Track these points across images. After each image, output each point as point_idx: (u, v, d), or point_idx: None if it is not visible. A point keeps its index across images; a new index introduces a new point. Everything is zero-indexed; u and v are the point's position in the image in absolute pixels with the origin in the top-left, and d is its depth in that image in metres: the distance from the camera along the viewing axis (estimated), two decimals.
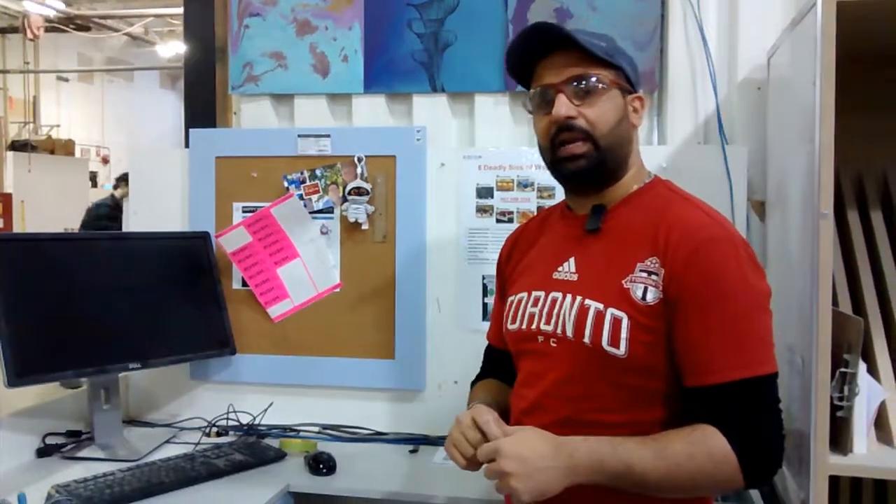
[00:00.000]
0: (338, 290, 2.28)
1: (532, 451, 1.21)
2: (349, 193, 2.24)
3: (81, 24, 13.08)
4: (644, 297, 1.27)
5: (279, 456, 2.02)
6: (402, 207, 2.24)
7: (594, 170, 1.36)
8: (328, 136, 2.27)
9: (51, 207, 12.15)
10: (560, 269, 1.40)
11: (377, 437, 2.21)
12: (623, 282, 1.30)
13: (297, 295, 2.29)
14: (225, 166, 2.32)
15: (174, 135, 18.17)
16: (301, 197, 2.27)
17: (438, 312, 2.25)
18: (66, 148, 13.98)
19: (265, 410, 2.23)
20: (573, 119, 1.33)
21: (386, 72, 2.33)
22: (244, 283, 2.32)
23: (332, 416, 2.26)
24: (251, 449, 2.04)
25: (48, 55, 14.87)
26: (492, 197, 2.21)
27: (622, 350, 1.28)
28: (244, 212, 2.31)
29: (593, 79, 1.34)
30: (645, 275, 1.29)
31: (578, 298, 1.34)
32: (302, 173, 2.27)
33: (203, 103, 2.46)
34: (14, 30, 13.41)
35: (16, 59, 14.13)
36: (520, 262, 1.53)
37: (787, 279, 1.86)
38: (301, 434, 2.22)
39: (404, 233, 2.24)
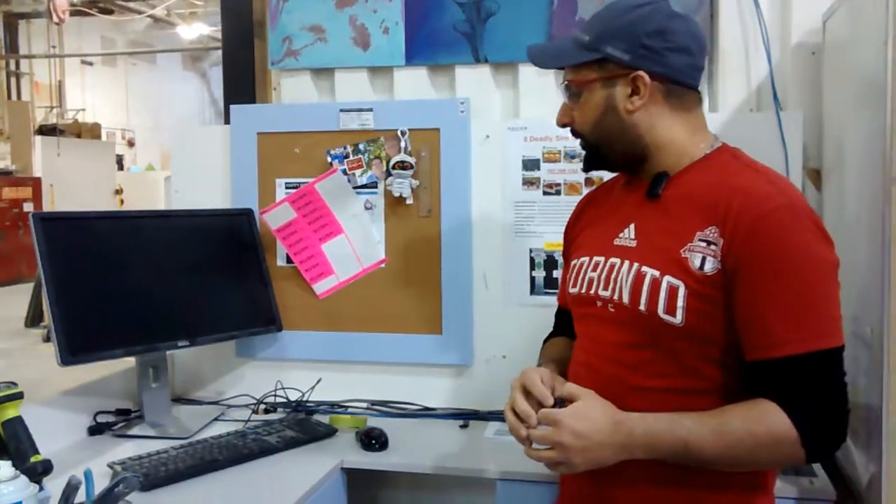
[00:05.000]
0: (383, 265, 2.26)
1: (591, 426, 1.23)
2: (393, 168, 2.21)
3: (105, 7, 13.12)
4: (702, 267, 1.25)
5: (330, 432, 2.01)
6: (447, 181, 2.21)
7: (595, 163, 1.42)
8: (370, 110, 2.24)
9: (79, 191, 12.28)
10: (621, 235, 1.39)
11: (426, 412, 2.19)
12: (681, 251, 1.27)
13: (341, 271, 2.28)
14: (267, 142, 2.30)
15: (198, 116, 18.29)
16: (344, 172, 2.25)
17: (485, 287, 2.22)
18: (93, 131, 14.10)
19: (313, 387, 2.22)
20: (567, 124, 1.42)
21: (428, 43, 2.29)
22: (289, 260, 2.30)
23: (380, 391, 2.25)
24: (302, 425, 2.04)
25: (72, 39, 14.95)
26: (538, 169, 2.17)
27: (678, 318, 1.25)
28: (287, 188, 2.29)
29: (569, 84, 1.38)
30: (704, 244, 1.26)
31: (636, 265, 1.33)
32: (345, 148, 2.25)
33: (242, 79, 2.44)
34: (38, 14, 13.50)
35: (39, 44, 14.23)
36: (585, 228, 1.53)
37: (847, 248, 1.80)
38: (349, 410, 2.21)
39: (449, 207, 2.21)
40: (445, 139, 2.20)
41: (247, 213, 2.29)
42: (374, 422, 2.08)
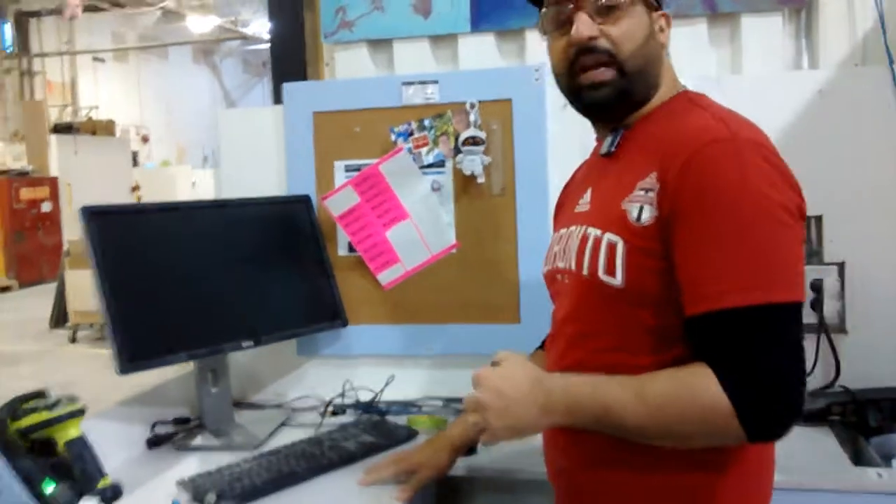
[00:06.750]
0: (454, 251, 2.08)
1: (509, 384, 1.14)
2: (462, 144, 2.02)
3: (116, 1, 12.98)
4: (639, 218, 1.11)
5: (410, 435, 1.84)
6: (522, 156, 2.02)
7: (620, 98, 1.20)
8: (436, 82, 2.05)
9: (97, 188, 12.15)
10: (580, 201, 1.29)
11: None
12: (622, 203, 1.14)
13: (408, 259, 2.10)
14: (324, 122, 2.12)
15: (211, 110, 18.14)
16: (409, 151, 2.06)
17: None
18: (108, 128, 14.01)
19: (386, 385, 2.05)
20: (595, 40, 1.17)
21: (495, 7, 2.11)
22: (350, 249, 2.12)
23: (456, 387, 2.06)
24: (379, 429, 1.87)
25: (83, 36, 14.83)
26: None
27: (618, 279, 1.12)
28: (347, 171, 2.11)
29: None
30: (642, 193, 1.12)
31: (583, 227, 1.22)
32: (409, 125, 2.06)
33: (291, 55, 2.26)
34: (48, 12, 13.37)
35: (51, 42, 14.10)
36: (561, 205, 1.47)
37: None
38: (424, 409, 2.04)
39: (525, 184, 2.03)
40: (518, 110, 2.01)
41: (304, 200, 2.11)
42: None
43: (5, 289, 11.48)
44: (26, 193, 11.87)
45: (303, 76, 2.27)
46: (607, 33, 1.17)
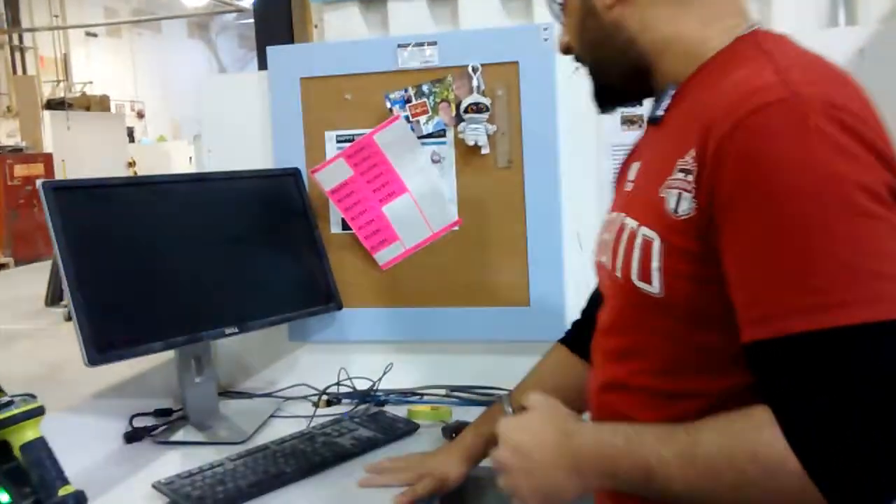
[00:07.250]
0: (456, 228, 1.92)
1: (532, 439, 0.95)
2: (464, 111, 1.86)
3: None
4: (677, 209, 0.87)
5: (411, 429, 1.70)
6: (530, 124, 1.86)
7: (605, 89, 1.11)
8: (434, 43, 1.88)
9: (92, 165, 11.94)
10: (628, 178, 1.07)
11: None
12: (660, 189, 0.91)
13: (408, 237, 1.94)
14: (312, 88, 1.95)
15: None
16: (407, 119, 1.90)
17: (579, 249, 1.88)
18: (102, 104, 13.77)
19: (385, 373, 1.90)
20: (567, 48, 1.13)
21: None
22: (344, 227, 1.96)
23: (460, 376, 1.92)
24: (376, 421, 1.72)
25: (74, 10, 14.57)
26: (640, 103, 1.81)
27: (655, 286, 0.90)
28: (339, 141, 1.95)
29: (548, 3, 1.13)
30: (681, 176, 0.87)
31: (621, 216, 1.01)
32: (406, 91, 1.89)
33: (277, 16, 2.09)
34: None
35: (41, 17, 13.84)
36: (619, 178, 1.20)
37: None
38: (425, 399, 1.89)
39: (533, 155, 1.86)
40: (526, 74, 1.85)
41: (293, 174, 1.95)
42: (458, 413, 1.76)
43: (1, 266, 11.34)
44: (20, 170, 11.67)
45: (289, 39, 2.10)
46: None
